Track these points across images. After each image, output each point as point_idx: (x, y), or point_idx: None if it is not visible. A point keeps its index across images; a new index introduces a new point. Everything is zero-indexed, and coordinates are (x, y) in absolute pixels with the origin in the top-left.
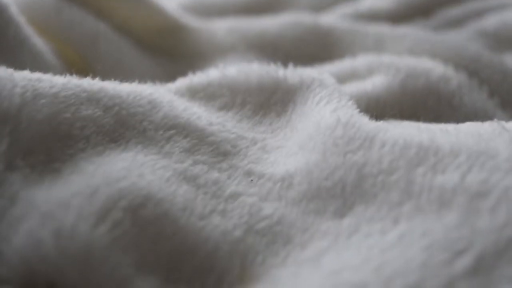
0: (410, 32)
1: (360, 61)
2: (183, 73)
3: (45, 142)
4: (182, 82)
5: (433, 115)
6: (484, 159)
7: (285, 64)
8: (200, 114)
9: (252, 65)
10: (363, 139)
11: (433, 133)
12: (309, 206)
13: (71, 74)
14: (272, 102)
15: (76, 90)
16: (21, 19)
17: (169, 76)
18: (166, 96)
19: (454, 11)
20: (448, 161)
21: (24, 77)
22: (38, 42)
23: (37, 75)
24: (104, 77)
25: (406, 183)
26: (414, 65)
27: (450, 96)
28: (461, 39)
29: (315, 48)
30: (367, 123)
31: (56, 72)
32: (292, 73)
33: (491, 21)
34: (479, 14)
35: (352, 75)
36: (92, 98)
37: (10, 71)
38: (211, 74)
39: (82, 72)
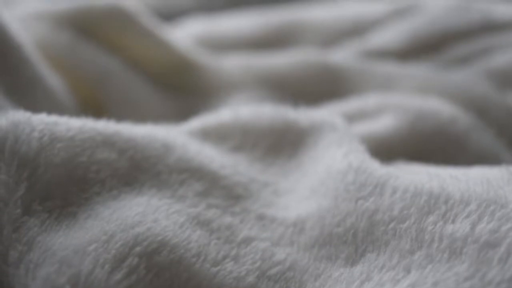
0: (419, 71)
1: (369, 101)
2: (194, 109)
3: (62, 186)
4: (194, 123)
5: (441, 156)
6: (494, 208)
7: (294, 102)
8: (213, 157)
9: (263, 107)
10: (374, 186)
11: (443, 180)
12: (321, 252)
13: (84, 111)
14: (283, 144)
15: (91, 134)
16: (36, 58)
17: (181, 113)
18: (180, 138)
19: (462, 49)
20: (458, 210)
21: (42, 120)
22: (53, 79)
23: (54, 118)
24: (116, 114)
25: (417, 231)
26: (423, 105)
27: (458, 137)
28: (469, 78)
29: (324, 86)
30: (378, 169)
31: (69, 109)
32: (303, 115)
33: (499, 60)
34: (487, 52)
35: (361, 115)
36: (107, 142)
37: (28, 115)
38: (223, 115)
39: (95, 108)
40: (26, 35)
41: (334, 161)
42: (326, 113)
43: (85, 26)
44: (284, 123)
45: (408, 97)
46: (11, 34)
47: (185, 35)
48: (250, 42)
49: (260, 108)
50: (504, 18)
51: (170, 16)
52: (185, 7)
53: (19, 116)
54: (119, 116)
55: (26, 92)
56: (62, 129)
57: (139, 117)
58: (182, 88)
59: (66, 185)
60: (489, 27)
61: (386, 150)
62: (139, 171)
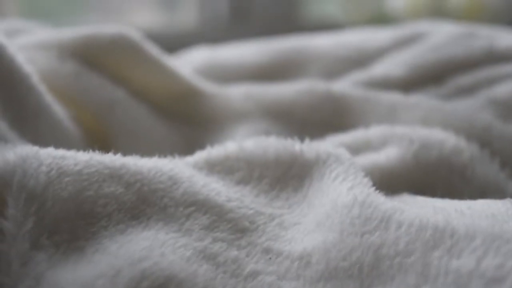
0: (422, 101)
1: (373, 131)
2: (199, 139)
3: (69, 221)
4: (200, 155)
5: (445, 187)
6: (499, 244)
7: (300, 131)
8: (219, 190)
9: (269, 139)
10: (380, 220)
11: (448, 214)
12: (326, 286)
13: (89, 141)
14: (289, 176)
15: (98, 167)
16: (42, 87)
17: (185, 142)
18: (186, 171)
19: (465, 79)
20: (463, 244)
21: (49, 155)
22: (58, 109)
23: (61, 152)
24: (121, 144)
25: (423, 266)
26: (427, 136)
27: (462, 169)
28: (473, 108)
29: (329, 116)
30: (383, 203)
31: (75, 139)
32: (309, 148)
33: (502, 90)
34: (490, 82)
35: (365, 146)
36: (114, 175)
37: (35, 149)
38: (229, 148)
39: (100, 137)
40: (30, 64)
41: (340, 195)
42: (331, 145)
43: (89, 56)
44: (289, 155)
45: (412, 128)
46: (17, 65)
47: (189, 64)
48: (254, 71)
49: (266, 140)
50: (508, 47)
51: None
52: (190, 27)
53: (27, 150)
54: (124, 146)
55: (32, 122)
56: (69, 163)
57: (144, 146)
58: (186, 118)
59: (74, 219)
60: (493, 57)
61: (391, 181)
62: (146, 204)
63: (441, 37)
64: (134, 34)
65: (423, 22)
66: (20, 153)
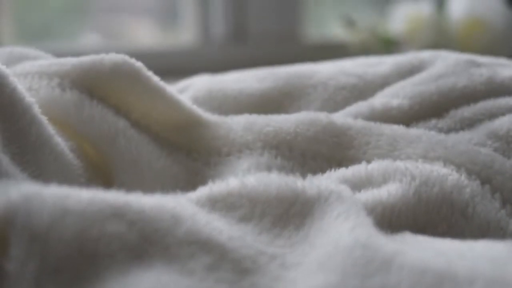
0: (424, 134)
1: (374, 166)
2: (200, 170)
3: (73, 261)
4: (202, 191)
5: (446, 225)
6: None
7: (301, 164)
8: (221, 228)
9: (270, 175)
10: (381, 262)
11: (449, 257)
12: None
13: (90, 172)
14: (290, 214)
15: (101, 206)
16: (43, 118)
17: (186, 173)
18: (188, 208)
19: (466, 112)
20: None
21: (53, 193)
22: (59, 140)
23: (64, 191)
24: (123, 175)
25: None
26: (428, 172)
27: (464, 206)
28: (474, 142)
29: (330, 148)
30: (385, 245)
31: (76, 171)
32: (310, 185)
33: (504, 123)
34: (491, 115)
35: (367, 181)
36: (117, 214)
37: (39, 188)
38: (231, 184)
39: (101, 168)
40: (31, 93)
41: (341, 235)
42: (333, 181)
43: (90, 85)
44: (291, 192)
45: (413, 163)
46: (19, 96)
47: (190, 93)
48: (255, 99)
49: (267, 177)
50: (510, 78)
51: (173, 58)
52: (188, 46)
53: (30, 188)
54: (126, 176)
55: (34, 155)
56: (73, 202)
57: (146, 177)
58: (188, 147)
59: (77, 260)
60: (495, 89)
61: (392, 218)
62: (148, 243)
63: (443, 67)
64: (135, 63)
65: (425, 51)
66: (23, 191)
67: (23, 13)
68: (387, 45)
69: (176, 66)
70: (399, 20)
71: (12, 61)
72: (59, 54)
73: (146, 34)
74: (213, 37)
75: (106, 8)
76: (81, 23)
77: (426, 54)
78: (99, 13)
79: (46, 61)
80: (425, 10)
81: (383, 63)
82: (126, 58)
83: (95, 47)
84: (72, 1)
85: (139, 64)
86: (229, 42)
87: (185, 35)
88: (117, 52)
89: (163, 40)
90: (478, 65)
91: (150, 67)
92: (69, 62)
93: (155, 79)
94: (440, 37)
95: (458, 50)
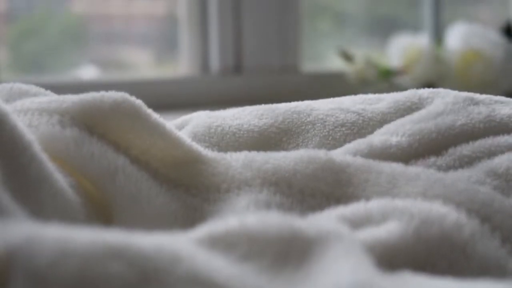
0: (423, 172)
1: (374, 205)
2: (198, 207)
3: None
4: (202, 230)
5: (446, 263)
6: None
7: (300, 201)
8: (221, 267)
9: (270, 214)
10: None
11: None
12: None
13: (90, 208)
14: (290, 254)
15: (102, 246)
16: (43, 155)
17: (185, 210)
18: (188, 248)
19: (465, 150)
20: None
21: (53, 234)
22: (59, 177)
23: (65, 231)
24: (122, 212)
25: None
26: (428, 211)
27: (463, 245)
28: (473, 180)
29: (329, 186)
30: (385, 285)
31: (76, 208)
32: (309, 224)
33: (503, 161)
34: (490, 153)
35: (366, 220)
36: (117, 254)
37: (39, 228)
38: (230, 223)
39: (101, 204)
40: (31, 130)
41: (342, 276)
42: (332, 220)
43: (90, 122)
44: (291, 232)
45: (413, 201)
46: (19, 133)
47: (189, 129)
48: (253, 135)
49: (267, 216)
50: (509, 116)
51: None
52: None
53: (31, 229)
54: (125, 213)
55: (34, 193)
56: (73, 243)
57: (145, 214)
58: (187, 184)
59: None
60: (494, 127)
61: (392, 257)
62: (148, 284)
63: (442, 105)
64: (135, 101)
65: (423, 89)
66: (24, 231)
67: (19, 43)
68: (385, 76)
69: (173, 97)
70: (397, 51)
71: (12, 97)
72: (56, 86)
73: (144, 65)
74: (211, 69)
75: (104, 39)
76: (78, 53)
77: (425, 92)
78: (97, 44)
79: (46, 98)
80: (423, 41)
81: (382, 100)
82: (126, 96)
83: (93, 79)
84: (69, 31)
85: (139, 102)
86: (227, 73)
87: (182, 66)
88: (114, 83)
89: (160, 71)
90: (476, 103)
91: (147, 97)
92: (69, 99)
93: (155, 116)
94: (438, 69)
95: (456, 82)
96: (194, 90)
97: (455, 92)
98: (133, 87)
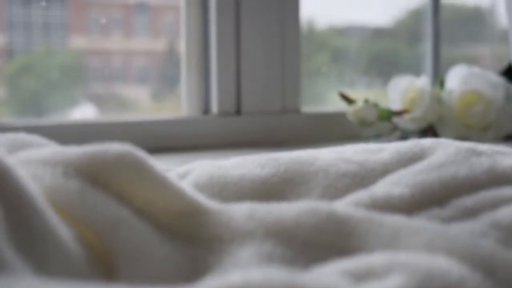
0: (426, 225)
1: (376, 258)
2: (201, 258)
3: None
4: (204, 285)
5: None
6: None
7: (302, 253)
8: None
9: (272, 269)
10: None
11: None
12: None
13: (93, 260)
14: None
15: None
16: (48, 208)
17: (188, 261)
18: None
19: (468, 201)
20: None
21: None
22: (63, 230)
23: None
24: (125, 264)
25: None
26: (431, 265)
27: None
28: (476, 233)
29: (332, 237)
30: None
31: (79, 259)
32: (312, 280)
33: (506, 214)
34: (493, 205)
35: (369, 273)
36: None
37: (40, 284)
38: (234, 279)
39: (103, 255)
40: (35, 182)
41: None
42: (335, 273)
43: (94, 174)
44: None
45: (416, 255)
46: (24, 186)
47: (191, 178)
48: (256, 185)
49: (270, 271)
50: (510, 169)
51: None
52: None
53: (32, 285)
54: (128, 264)
55: (39, 247)
56: None
57: (148, 265)
58: (189, 235)
59: None
60: (496, 178)
61: None
62: None
63: (444, 156)
64: (139, 154)
65: (425, 139)
66: None
67: (16, 79)
68: (385, 117)
69: (173, 138)
70: (397, 92)
71: (16, 147)
72: (55, 127)
73: (142, 102)
74: (211, 110)
75: (102, 76)
76: (76, 90)
77: (426, 142)
78: (95, 81)
79: (50, 149)
80: (423, 83)
81: (384, 150)
82: (130, 149)
83: (92, 120)
84: (68, 68)
85: (142, 155)
86: (227, 114)
87: (182, 107)
88: (114, 124)
89: (159, 108)
90: (478, 154)
91: (146, 138)
92: (73, 151)
93: (158, 168)
94: (438, 110)
95: (457, 123)
96: (194, 132)
97: (457, 143)
98: (133, 128)
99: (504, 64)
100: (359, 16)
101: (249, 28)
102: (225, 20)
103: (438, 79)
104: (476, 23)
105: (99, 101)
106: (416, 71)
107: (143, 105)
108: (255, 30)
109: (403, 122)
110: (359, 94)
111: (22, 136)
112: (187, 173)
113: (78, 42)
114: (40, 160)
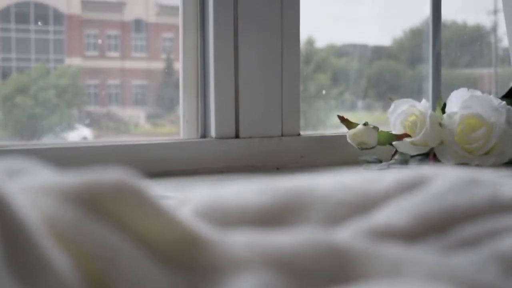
0: (426, 255)
1: (376, 287)
2: (201, 287)
3: None
4: None
5: None
6: None
7: (302, 283)
8: None
9: None
10: None
11: None
12: None
13: None
14: None
15: None
16: (47, 238)
17: None
18: None
19: (469, 230)
20: None
21: None
22: (61, 259)
23: None
24: None
25: None
26: None
27: None
28: (477, 263)
29: (331, 268)
30: None
31: None
32: None
33: (507, 243)
34: (494, 234)
35: None
36: None
37: None
38: None
39: (101, 284)
40: (33, 210)
41: None
42: None
43: (93, 203)
44: None
45: (416, 284)
46: (22, 215)
47: (190, 206)
48: (255, 214)
49: None
50: (511, 199)
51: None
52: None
53: None
54: None
55: (36, 275)
56: None
57: None
58: (188, 264)
59: None
60: (497, 207)
61: None
62: None
63: (444, 185)
64: (137, 184)
65: (426, 169)
66: None
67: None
68: (386, 140)
69: (170, 161)
70: (397, 116)
71: (14, 174)
72: (50, 150)
73: (139, 124)
74: (209, 134)
75: (99, 99)
76: (72, 111)
77: (426, 171)
78: (92, 102)
79: (48, 177)
80: (423, 106)
81: (383, 180)
82: (128, 177)
83: (89, 143)
84: (64, 89)
85: (140, 184)
86: (226, 138)
87: (180, 130)
88: (111, 147)
89: (156, 130)
90: (479, 183)
91: (144, 162)
92: (72, 180)
93: (156, 197)
94: (439, 134)
95: (458, 147)
96: (192, 155)
97: (457, 172)
98: (130, 151)
99: (505, 84)
100: (359, 36)
101: (248, 51)
102: (223, 43)
103: (439, 103)
104: (477, 43)
105: (95, 122)
106: (416, 92)
107: (141, 126)
108: (253, 53)
109: (403, 146)
110: (360, 116)
111: (19, 164)
112: (186, 201)
113: (74, 62)
114: (39, 188)
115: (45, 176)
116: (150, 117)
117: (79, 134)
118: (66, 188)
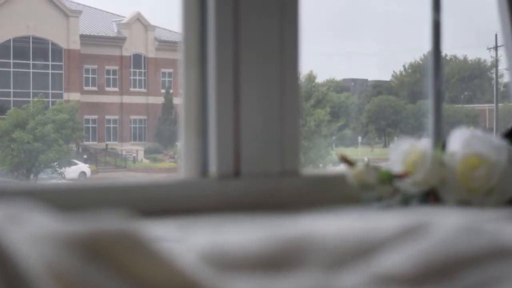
0: None
1: None
2: None
3: None
4: None
5: None
6: None
7: None
8: None
9: None
10: None
11: None
12: None
13: None
14: None
15: None
16: (46, 281)
17: None
18: None
19: (472, 276)
20: None
21: None
22: None
23: None
24: None
25: None
26: None
27: None
28: None
29: None
30: None
31: None
32: None
33: None
34: (498, 280)
35: None
36: None
37: None
38: None
39: None
40: (34, 257)
41: None
42: None
43: (94, 250)
44: None
45: None
46: (25, 264)
47: (190, 253)
48: (256, 259)
49: None
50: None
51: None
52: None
53: None
54: None
55: None
56: None
57: None
58: None
59: None
60: (500, 253)
61: None
62: None
63: (446, 231)
64: (137, 233)
65: (426, 215)
66: None
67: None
68: (386, 179)
69: (170, 200)
70: (398, 155)
71: (15, 222)
72: (49, 191)
73: (138, 159)
74: (209, 173)
75: (97, 136)
76: (71, 149)
77: (426, 218)
78: (90, 141)
79: (51, 225)
80: (424, 145)
81: (383, 226)
82: (129, 227)
83: (89, 183)
84: (62, 124)
85: (140, 234)
86: (226, 176)
87: (180, 169)
88: (110, 187)
89: (154, 165)
90: (479, 230)
91: (143, 201)
92: (74, 228)
93: (156, 246)
94: (440, 173)
95: (459, 186)
96: (191, 194)
97: (456, 219)
98: (129, 190)
99: (506, 119)
100: (359, 72)
101: (248, 89)
102: (223, 79)
103: (440, 142)
104: (478, 78)
105: (93, 157)
106: (417, 128)
107: (139, 161)
108: (254, 91)
109: (404, 185)
110: (360, 152)
111: (21, 210)
112: (189, 247)
113: (72, 97)
114: (42, 236)
115: (47, 223)
116: (149, 152)
117: (77, 169)
118: (68, 235)
